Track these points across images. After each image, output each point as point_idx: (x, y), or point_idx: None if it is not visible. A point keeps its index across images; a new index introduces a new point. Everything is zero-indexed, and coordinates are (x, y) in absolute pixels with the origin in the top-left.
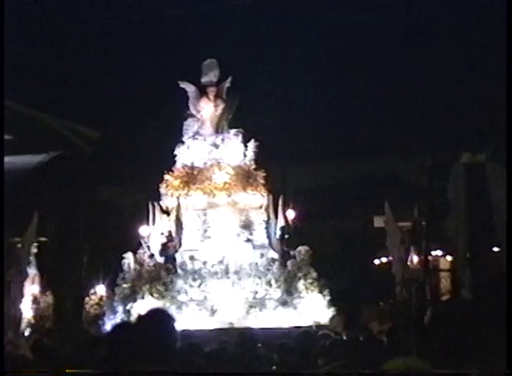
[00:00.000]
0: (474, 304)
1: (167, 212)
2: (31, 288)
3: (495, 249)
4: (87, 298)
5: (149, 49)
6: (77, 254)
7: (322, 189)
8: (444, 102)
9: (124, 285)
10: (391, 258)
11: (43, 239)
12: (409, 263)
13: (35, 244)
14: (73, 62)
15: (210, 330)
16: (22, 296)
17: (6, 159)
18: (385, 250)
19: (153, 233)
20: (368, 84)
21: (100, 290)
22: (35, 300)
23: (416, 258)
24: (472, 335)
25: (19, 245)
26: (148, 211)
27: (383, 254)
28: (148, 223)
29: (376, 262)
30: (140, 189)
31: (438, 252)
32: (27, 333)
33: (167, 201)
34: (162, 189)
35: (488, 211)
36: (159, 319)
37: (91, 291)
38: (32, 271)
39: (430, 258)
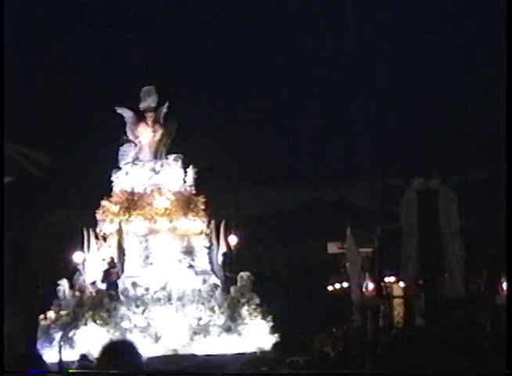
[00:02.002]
0: (427, 329)
1: (104, 238)
2: None
3: (446, 275)
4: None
5: (88, 74)
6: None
7: (269, 214)
8: (395, 127)
9: (62, 312)
10: (345, 284)
11: None
12: (364, 289)
13: None
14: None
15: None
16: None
17: None
18: (339, 276)
19: (89, 259)
20: (319, 108)
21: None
22: None
23: (371, 285)
24: (426, 360)
25: None
26: (83, 237)
27: (337, 279)
28: (82, 249)
29: (330, 288)
30: (73, 214)
31: (391, 278)
32: None
33: (105, 227)
34: (98, 215)
35: (439, 237)
36: (124, 350)
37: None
38: None
39: (383, 284)
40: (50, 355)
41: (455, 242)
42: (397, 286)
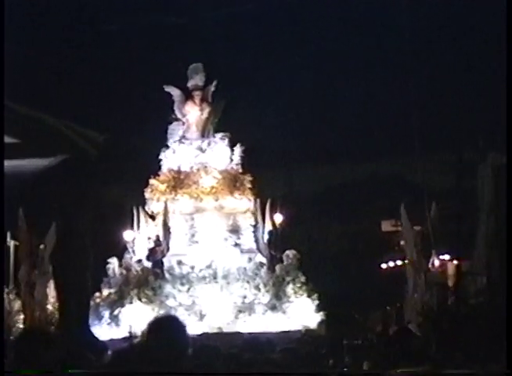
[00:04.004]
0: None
1: (152, 217)
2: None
3: None
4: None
5: (136, 54)
6: (80, 257)
7: (323, 191)
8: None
9: (111, 290)
10: (398, 262)
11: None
12: (429, 266)
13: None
14: (72, 65)
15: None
16: (47, 297)
17: (13, 162)
18: (393, 253)
19: (138, 237)
20: (372, 82)
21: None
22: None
23: (437, 262)
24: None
25: (41, 246)
26: (132, 216)
27: (390, 258)
28: (132, 228)
29: (383, 266)
30: (126, 193)
31: (445, 256)
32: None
33: (153, 206)
34: (147, 194)
35: None
36: (171, 325)
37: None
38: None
39: (447, 262)
40: (100, 333)
41: None
42: (451, 264)
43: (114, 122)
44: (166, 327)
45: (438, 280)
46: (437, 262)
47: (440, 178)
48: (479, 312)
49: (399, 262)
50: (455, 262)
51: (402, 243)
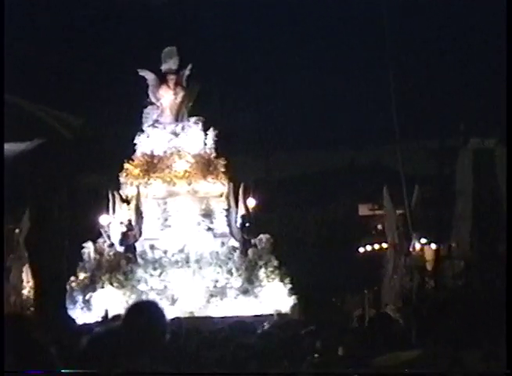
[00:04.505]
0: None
1: (127, 201)
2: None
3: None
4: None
5: (110, 38)
6: (56, 242)
7: (301, 176)
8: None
9: (84, 274)
10: (376, 246)
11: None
12: (411, 249)
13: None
14: (47, 50)
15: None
16: (22, 282)
17: None
18: (370, 237)
19: (114, 222)
20: (351, 68)
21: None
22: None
23: (418, 245)
24: (471, 325)
25: (17, 231)
26: (108, 200)
27: (367, 242)
28: (108, 212)
29: (361, 250)
30: (102, 177)
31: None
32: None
33: (127, 190)
34: (122, 178)
35: (495, 198)
36: (148, 311)
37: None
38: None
39: (427, 246)
40: (75, 317)
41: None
42: (428, 248)
43: (90, 107)
44: (144, 312)
45: (418, 264)
46: (417, 246)
47: (419, 163)
48: (457, 296)
49: (376, 246)
50: (433, 245)
51: (379, 227)
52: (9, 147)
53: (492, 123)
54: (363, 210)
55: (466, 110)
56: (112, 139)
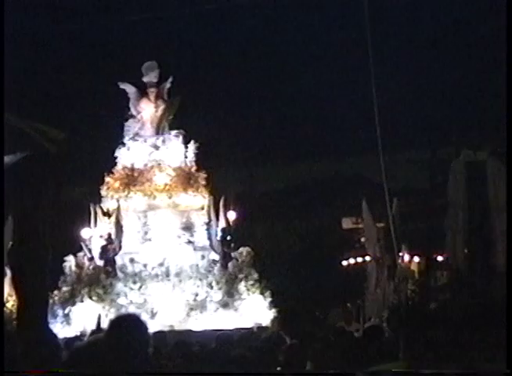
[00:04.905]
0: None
1: (108, 214)
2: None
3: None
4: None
5: (93, 52)
6: (38, 255)
7: (283, 190)
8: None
9: (64, 288)
10: (359, 259)
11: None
12: (400, 261)
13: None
14: (31, 63)
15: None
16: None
17: None
18: (354, 251)
19: (95, 235)
20: (334, 79)
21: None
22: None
23: (407, 257)
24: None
25: None
26: (89, 214)
27: (350, 255)
28: (90, 225)
29: (344, 263)
30: (85, 190)
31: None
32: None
33: (108, 203)
34: (103, 191)
35: (487, 210)
36: (131, 325)
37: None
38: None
39: (406, 258)
40: (56, 331)
41: (501, 216)
42: (412, 260)
43: (72, 120)
44: (126, 325)
45: (401, 277)
46: (401, 259)
47: (403, 176)
48: (443, 309)
49: (360, 259)
50: (417, 258)
51: (362, 239)
52: None
53: (485, 134)
54: (346, 223)
55: (459, 121)
56: (93, 152)
